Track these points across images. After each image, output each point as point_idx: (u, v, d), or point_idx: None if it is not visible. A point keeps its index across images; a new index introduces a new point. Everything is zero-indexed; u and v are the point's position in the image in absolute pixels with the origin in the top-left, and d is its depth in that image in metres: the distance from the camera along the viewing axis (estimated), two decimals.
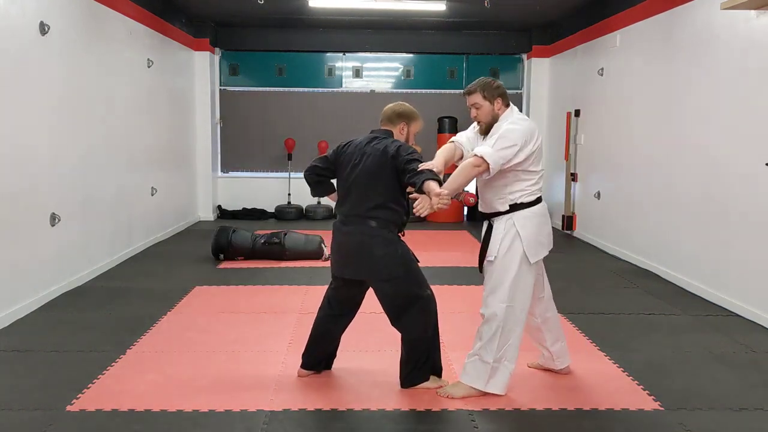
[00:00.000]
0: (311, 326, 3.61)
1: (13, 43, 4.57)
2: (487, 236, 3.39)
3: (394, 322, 3.36)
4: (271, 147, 10.28)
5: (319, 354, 3.61)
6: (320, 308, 3.59)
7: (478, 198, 3.55)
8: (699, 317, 4.84)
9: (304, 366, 3.61)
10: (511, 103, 3.43)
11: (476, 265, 3.49)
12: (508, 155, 3.19)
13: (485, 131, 3.39)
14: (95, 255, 5.96)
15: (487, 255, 3.36)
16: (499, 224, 3.33)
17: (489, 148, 3.20)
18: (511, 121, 3.31)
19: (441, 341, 3.49)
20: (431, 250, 7.18)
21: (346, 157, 3.41)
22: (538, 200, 3.37)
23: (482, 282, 3.41)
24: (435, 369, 3.44)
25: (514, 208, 3.31)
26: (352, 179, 3.34)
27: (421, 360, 3.38)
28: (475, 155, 3.21)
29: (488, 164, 3.16)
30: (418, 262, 3.40)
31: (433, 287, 3.44)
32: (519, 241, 3.27)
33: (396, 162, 3.23)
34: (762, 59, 4.73)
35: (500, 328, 3.27)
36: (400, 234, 3.38)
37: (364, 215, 3.29)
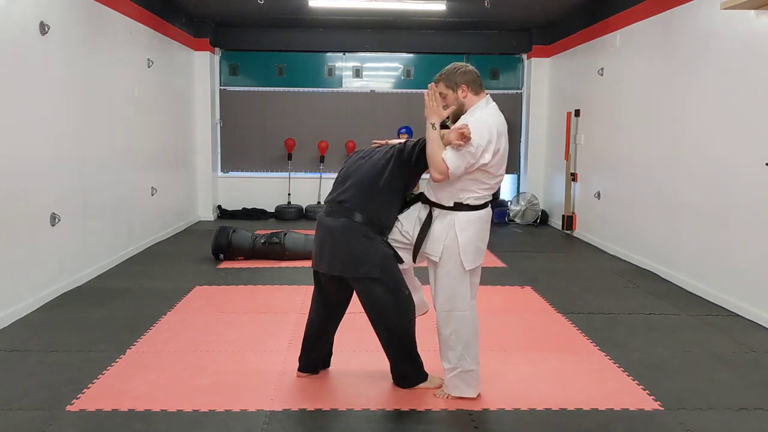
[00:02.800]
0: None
1: (13, 43, 4.58)
2: (426, 224, 3.25)
3: (374, 323, 3.33)
4: (271, 147, 10.27)
5: (315, 356, 3.60)
6: (310, 310, 3.58)
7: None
8: (699, 317, 4.84)
9: (301, 369, 3.60)
10: (486, 94, 3.27)
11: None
12: (471, 160, 3.06)
13: (454, 119, 3.27)
14: (95, 255, 5.96)
15: (427, 251, 3.25)
16: (441, 221, 3.21)
17: (453, 153, 3.06)
18: (477, 118, 3.15)
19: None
20: None
21: (356, 155, 3.45)
22: (485, 205, 3.24)
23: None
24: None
25: (458, 207, 3.18)
26: (354, 168, 3.33)
27: (405, 361, 3.35)
28: (442, 159, 3.07)
29: (447, 168, 3.04)
30: (402, 262, 3.32)
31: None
32: (458, 246, 3.16)
33: (403, 154, 3.24)
34: (762, 59, 4.73)
35: (472, 332, 3.26)
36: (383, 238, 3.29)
37: (353, 205, 3.22)
